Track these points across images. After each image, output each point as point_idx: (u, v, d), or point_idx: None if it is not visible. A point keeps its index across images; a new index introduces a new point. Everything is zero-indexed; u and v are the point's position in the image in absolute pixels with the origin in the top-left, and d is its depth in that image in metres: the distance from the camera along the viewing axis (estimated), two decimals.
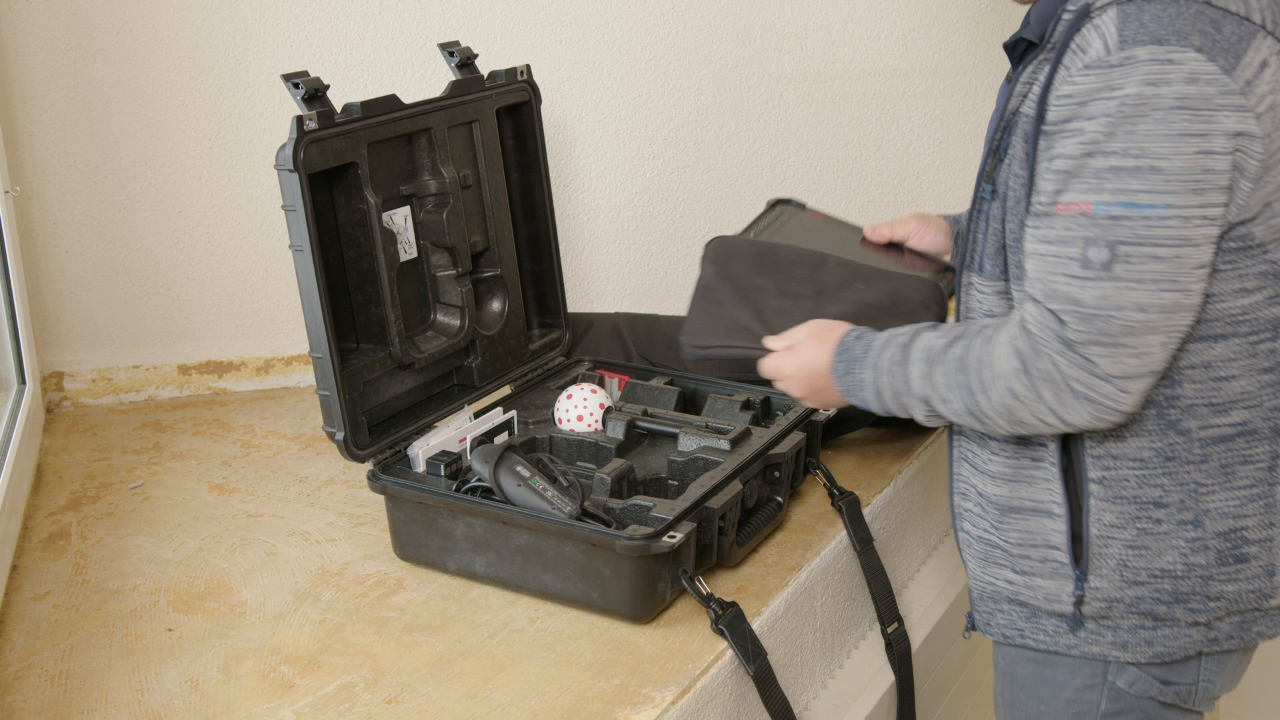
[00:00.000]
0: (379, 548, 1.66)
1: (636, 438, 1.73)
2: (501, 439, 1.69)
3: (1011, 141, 1.30)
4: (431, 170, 1.74)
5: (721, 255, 1.66)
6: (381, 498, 1.61)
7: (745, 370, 1.64)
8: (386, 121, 1.65)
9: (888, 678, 1.73)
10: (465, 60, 1.81)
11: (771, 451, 1.65)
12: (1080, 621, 1.37)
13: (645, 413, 1.76)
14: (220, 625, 1.50)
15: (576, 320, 2.03)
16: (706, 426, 1.71)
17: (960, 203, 2.00)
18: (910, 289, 1.64)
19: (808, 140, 2.36)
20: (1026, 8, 1.35)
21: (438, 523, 1.55)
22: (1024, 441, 1.36)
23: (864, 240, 1.77)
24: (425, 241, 1.76)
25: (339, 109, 1.59)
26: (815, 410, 1.76)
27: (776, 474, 1.66)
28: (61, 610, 1.54)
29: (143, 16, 2.06)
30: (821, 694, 1.69)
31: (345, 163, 1.60)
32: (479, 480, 1.52)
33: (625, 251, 2.34)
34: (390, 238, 1.66)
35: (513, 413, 1.74)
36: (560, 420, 1.75)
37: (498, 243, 1.85)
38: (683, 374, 1.87)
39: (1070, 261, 1.21)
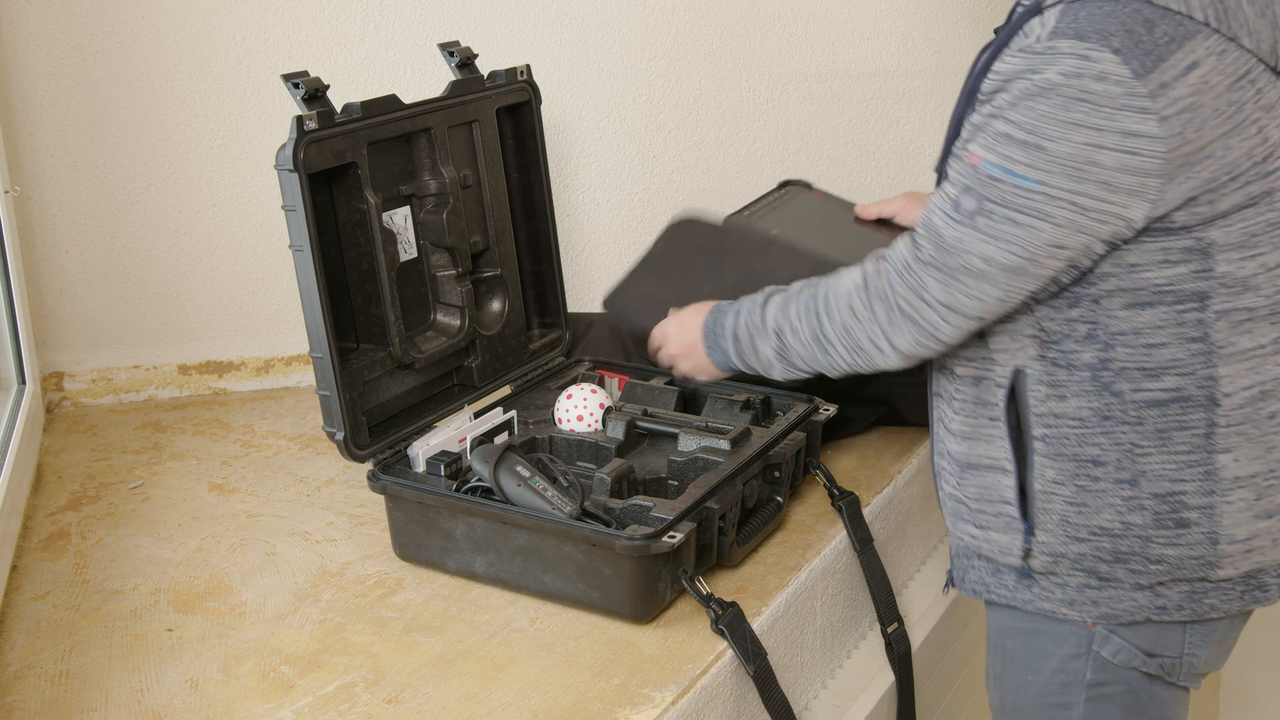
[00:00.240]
0: (379, 548, 1.66)
1: (636, 438, 1.73)
2: (501, 439, 1.69)
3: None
4: (431, 170, 1.74)
5: (677, 230, 1.83)
6: (381, 498, 1.61)
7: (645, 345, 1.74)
8: (386, 121, 1.65)
9: (888, 678, 1.73)
10: (465, 60, 1.81)
11: (771, 451, 1.65)
12: (1029, 574, 1.43)
13: (645, 413, 1.76)
14: (220, 625, 1.50)
15: (576, 320, 2.03)
16: (706, 426, 1.71)
17: None
18: None
19: (808, 140, 2.36)
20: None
21: (438, 523, 1.55)
22: (981, 401, 1.43)
23: (856, 218, 1.86)
24: (425, 241, 1.76)
25: (339, 109, 1.59)
26: (815, 410, 1.76)
27: (776, 474, 1.66)
28: (61, 610, 1.54)
29: (143, 16, 2.06)
30: (821, 694, 1.69)
31: (345, 163, 1.60)
32: (479, 480, 1.52)
33: (625, 251, 2.34)
34: (390, 238, 1.66)
35: (513, 413, 1.74)
36: (560, 420, 1.75)
37: (498, 243, 1.85)
38: None
39: (948, 201, 1.33)
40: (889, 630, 1.71)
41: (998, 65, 1.31)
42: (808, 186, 1.97)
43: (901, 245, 1.38)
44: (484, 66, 1.84)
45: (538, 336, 1.95)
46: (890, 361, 1.41)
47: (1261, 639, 2.73)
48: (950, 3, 2.34)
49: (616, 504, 1.52)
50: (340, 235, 1.66)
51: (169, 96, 2.10)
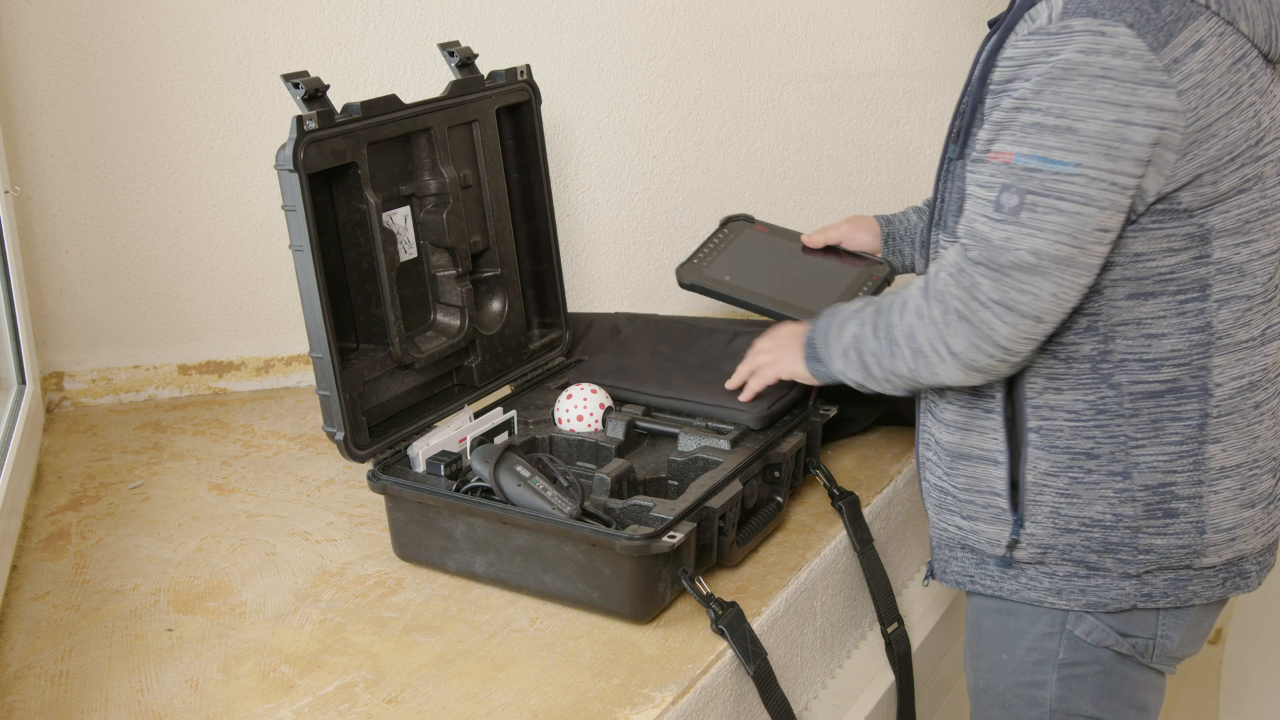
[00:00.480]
0: (379, 548, 1.66)
1: (636, 438, 1.73)
2: (501, 439, 1.69)
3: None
4: (431, 170, 1.74)
5: (644, 324, 1.99)
6: (381, 498, 1.61)
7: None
8: (386, 121, 1.65)
9: (888, 678, 1.73)
10: (465, 60, 1.81)
11: (771, 451, 1.65)
12: (1011, 565, 1.45)
13: (645, 413, 1.76)
14: (220, 625, 1.50)
15: (576, 320, 2.03)
16: (706, 426, 1.71)
17: None
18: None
19: (808, 140, 2.36)
20: None
21: (438, 523, 1.55)
22: (976, 392, 1.44)
23: (804, 248, 1.91)
24: (425, 241, 1.76)
25: (339, 109, 1.59)
26: (815, 410, 1.76)
27: (776, 474, 1.66)
28: (61, 610, 1.54)
29: (143, 16, 2.06)
30: (821, 694, 1.69)
31: (345, 163, 1.60)
32: (479, 480, 1.52)
33: (625, 251, 2.34)
34: (390, 238, 1.66)
35: (513, 413, 1.74)
36: (560, 420, 1.75)
37: (498, 243, 1.85)
38: None
39: (988, 204, 1.32)
40: (889, 630, 1.71)
41: (1008, 51, 1.31)
42: (750, 220, 1.99)
43: (953, 249, 1.37)
44: (484, 66, 1.84)
45: (538, 336, 1.95)
46: (950, 370, 1.38)
47: (1262, 638, 2.73)
48: (950, 3, 2.34)
49: (616, 504, 1.52)
50: (340, 235, 1.66)
51: (169, 96, 2.10)
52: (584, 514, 1.48)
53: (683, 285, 1.87)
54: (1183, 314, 1.34)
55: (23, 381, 2.03)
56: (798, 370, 1.61)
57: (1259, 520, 1.42)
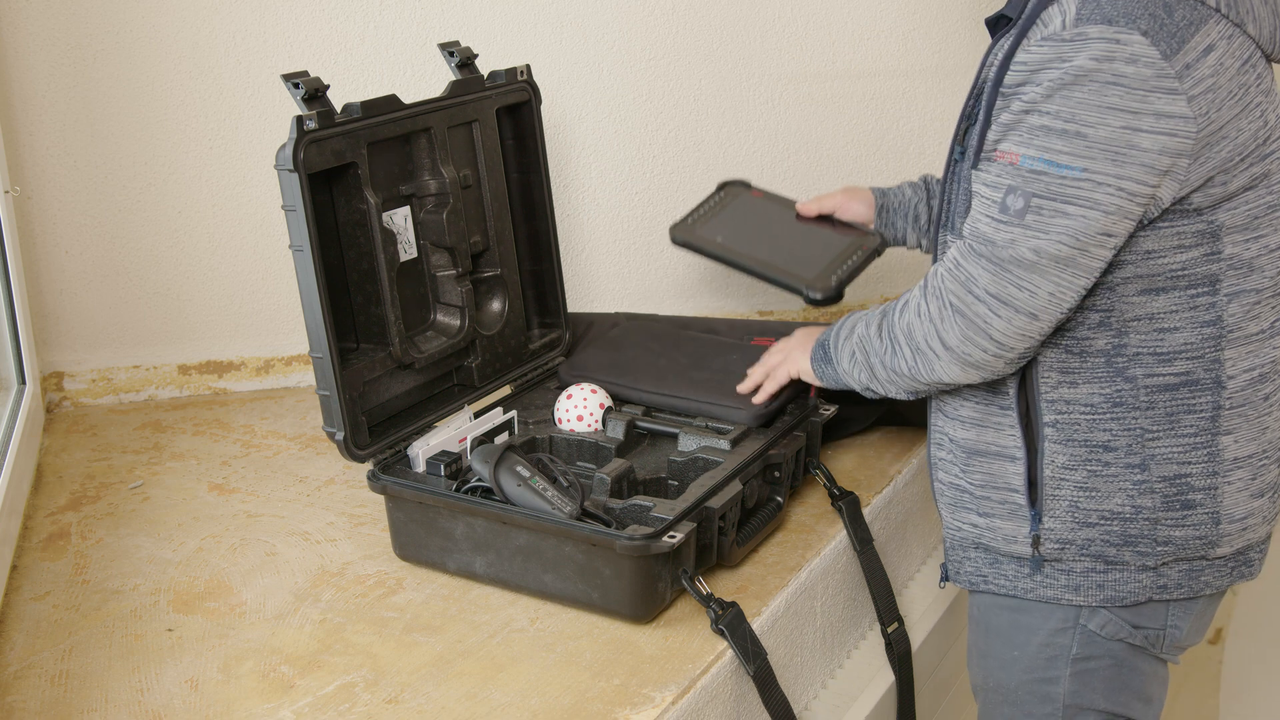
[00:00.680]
0: (379, 548, 1.66)
1: (636, 438, 1.73)
2: (501, 439, 1.69)
3: (980, 107, 1.40)
4: (431, 170, 1.74)
5: (630, 327, 1.99)
6: (381, 498, 1.61)
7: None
8: (386, 121, 1.65)
9: (888, 678, 1.73)
10: (465, 60, 1.81)
11: (771, 451, 1.65)
12: (1039, 564, 1.45)
13: (645, 412, 1.76)
14: (220, 625, 1.50)
15: (576, 320, 2.03)
16: (706, 426, 1.71)
17: None
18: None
19: (808, 140, 2.36)
20: None
21: (438, 523, 1.55)
22: (992, 388, 1.44)
23: (798, 215, 1.91)
24: (425, 241, 1.76)
25: (339, 109, 1.59)
26: (815, 410, 1.76)
27: (776, 474, 1.66)
28: (61, 610, 1.54)
29: (143, 16, 2.06)
30: (821, 694, 1.69)
31: (345, 163, 1.60)
32: (479, 480, 1.52)
33: (625, 251, 2.34)
34: (390, 238, 1.66)
35: (513, 413, 1.74)
36: (560, 420, 1.75)
37: (498, 243, 1.85)
38: None
39: (993, 205, 1.33)
40: (889, 630, 1.71)
41: (1020, 56, 1.31)
42: (746, 186, 2.00)
43: (955, 247, 1.39)
44: (484, 66, 1.84)
45: (538, 336, 1.95)
46: (946, 366, 1.40)
47: (1262, 638, 2.73)
48: (950, 3, 2.34)
49: (616, 504, 1.52)
50: (340, 235, 1.66)
51: (169, 96, 2.10)
52: (584, 514, 1.48)
53: (675, 243, 1.87)
54: (1194, 308, 1.35)
55: (23, 381, 2.03)
56: (805, 369, 1.64)
57: (1266, 509, 1.45)
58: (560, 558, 1.47)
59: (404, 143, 1.72)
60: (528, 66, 1.88)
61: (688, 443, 1.68)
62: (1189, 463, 1.39)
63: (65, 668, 1.43)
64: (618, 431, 1.71)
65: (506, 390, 1.87)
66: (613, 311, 2.20)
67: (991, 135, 1.35)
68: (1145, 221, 1.32)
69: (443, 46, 1.81)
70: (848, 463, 1.87)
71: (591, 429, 1.73)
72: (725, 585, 1.56)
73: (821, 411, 1.77)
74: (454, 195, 1.75)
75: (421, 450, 1.61)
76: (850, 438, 1.94)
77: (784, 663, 1.56)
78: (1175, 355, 1.37)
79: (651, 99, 2.28)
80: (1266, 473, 1.44)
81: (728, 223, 1.90)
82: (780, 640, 1.55)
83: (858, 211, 1.87)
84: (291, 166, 1.50)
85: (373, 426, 1.65)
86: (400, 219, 1.72)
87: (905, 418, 1.95)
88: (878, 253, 1.85)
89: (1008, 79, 1.33)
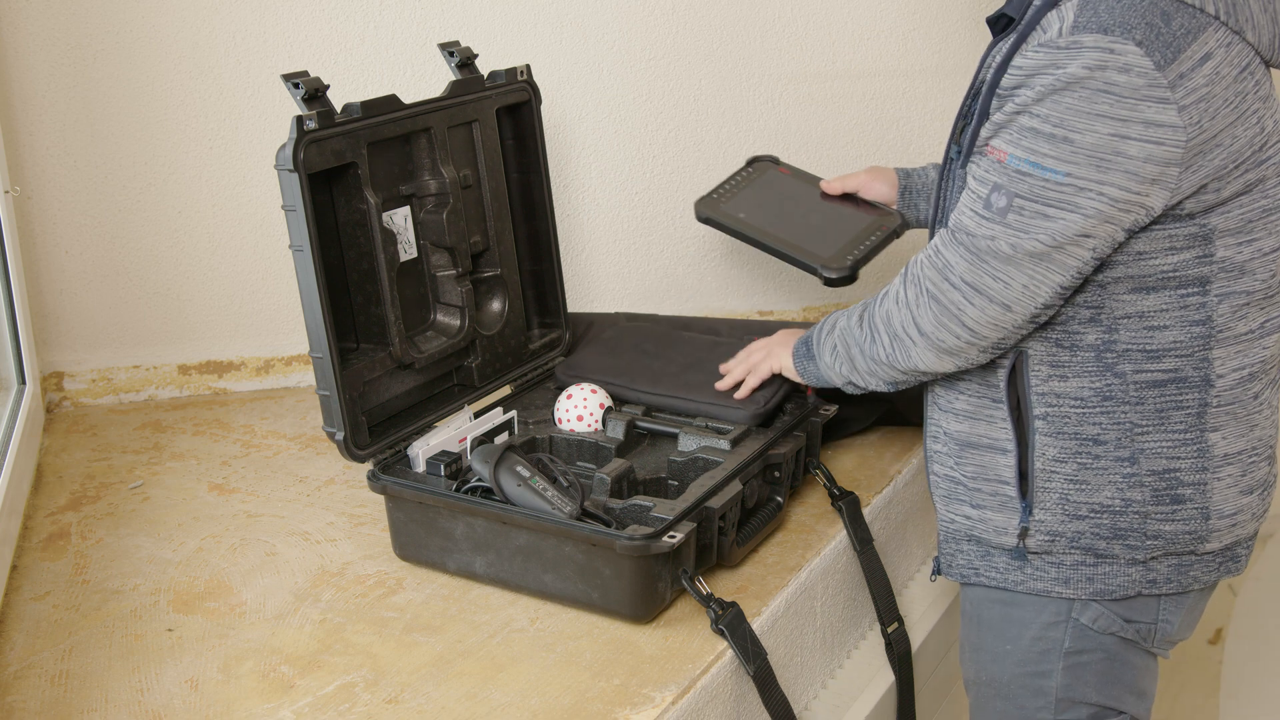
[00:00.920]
0: (379, 548, 1.66)
1: (636, 438, 1.73)
2: (501, 439, 1.69)
3: (976, 108, 1.41)
4: (431, 170, 1.74)
5: (624, 328, 1.99)
6: (381, 498, 1.61)
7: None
8: (386, 121, 1.65)
9: (888, 678, 1.73)
10: (465, 60, 1.81)
11: (771, 451, 1.65)
12: (1024, 555, 1.46)
13: (645, 413, 1.76)
14: (220, 625, 1.50)
15: (576, 320, 2.03)
16: (706, 426, 1.71)
17: None
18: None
19: (808, 140, 2.36)
20: None
21: (438, 523, 1.55)
22: (985, 381, 1.46)
23: (823, 194, 1.93)
24: (425, 241, 1.76)
25: (339, 109, 1.59)
26: (815, 410, 1.76)
27: (776, 474, 1.66)
28: (61, 610, 1.54)
29: (143, 16, 2.06)
30: (821, 694, 1.69)
31: (345, 163, 1.60)
32: (479, 480, 1.52)
33: (625, 251, 2.34)
34: (390, 238, 1.66)
35: (513, 413, 1.74)
36: (560, 420, 1.75)
37: (498, 243, 1.85)
38: None
39: (978, 200, 1.36)
40: (889, 630, 1.71)
41: (1018, 60, 1.33)
42: (775, 162, 2.01)
43: (937, 236, 1.41)
44: (484, 66, 1.84)
45: (538, 336, 1.95)
46: (921, 353, 1.42)
47: (1262, 638, 2.73)
48: (950, 3, 2.34)
49: (616, 504, 1.52)
50: (340, 235, 1.66)
51: (169, 96, 2.10)
52: (584, 514, 1.48)
53: (699, 219, 1.89)
54: (1184, 308, 1.36)
55: (23, 381, 2.03)
56: (788, 365, 1.66)
57: (1255, 506, 1.46)
58: (560, 558, 1.47)
59: (404, 143, 1.72)
60: (528, 66, 1.88)
61: (688, 443, 1.68)
62: (1178, 458, 1.40)
63: (65, 668, 1.43)
64: (618, 431, 1.71)
65: (506, 390, 1.87)
66: (613, 311, 2.20)
67: (985, 131, 1.36)
68: (1137, 229, 1.32)
69: (443, 46, 1.81)
70: (848, 463, 1.87)
71: (591, 429, 1.73)
72: (725, 585, 1.56)
73: (821, 411, 1.77)
74: (454, 195, 1.75)
75: (421, 450, 1.61)
76: (850, 438, 1.94)
77: (784, 663, 1.56)
78: (1164, 353, 1.38)
79: (651, 99, 2.28)
80: (1256, 470, 1.45)
81: (751, 199, 1.91)
82: (780, 640, 1.55)
83: (881, 191, 1.89)
84: (291, 166, 1.50)
85: (373, 426, 1.65)
86: (400, 219, 1.72)
87: (905, 418, 1.95)
88: (897, 234, 1.86)
89: (1004, 82, 1.34)
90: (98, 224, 2.13)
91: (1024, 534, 1.45)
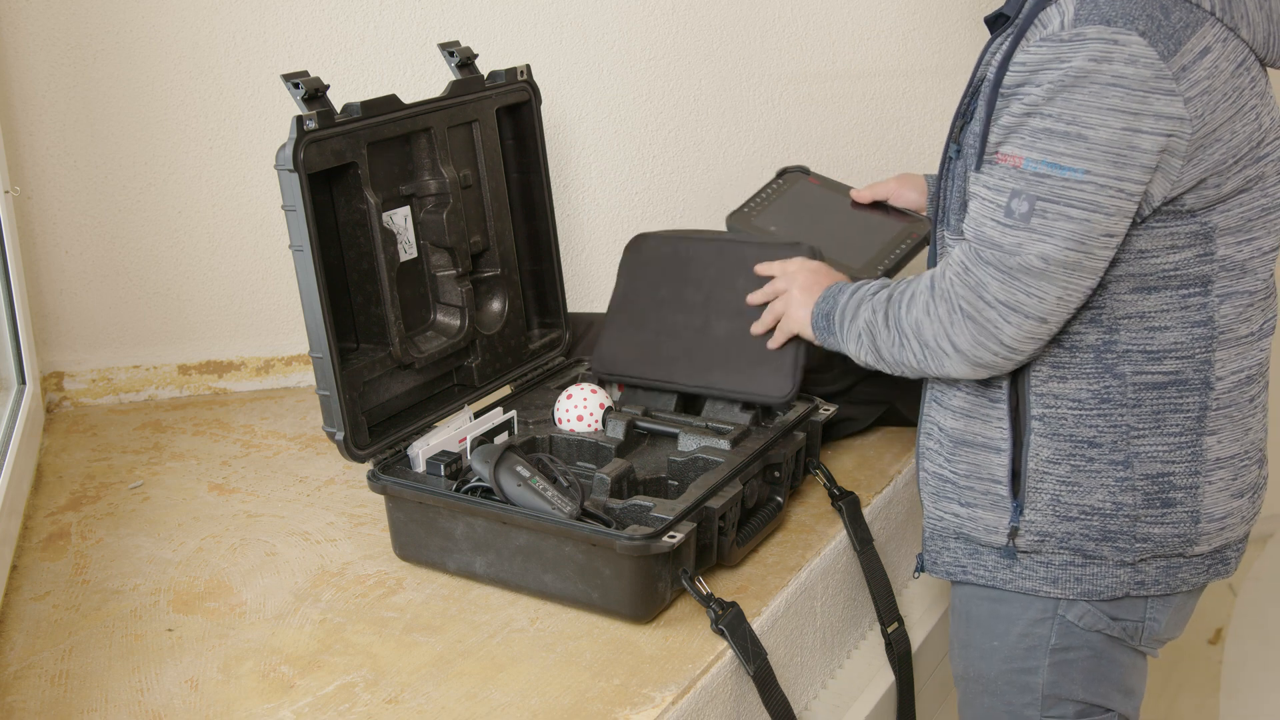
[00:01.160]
0: (379, 548, 1.66)
1: (636, 438, 1.73)
2: (501, 439, 1.69)
3: (976, 105, 1.40)
4: (431, 170, 1.74)
5: (634, 264, 1.87)
6: (381, 498, 1.61)
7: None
8: (386, 121, 1.65)
9: (888, 678, 1.73)
10: (465, 60, 1.81)
11: (771, 451, 1.65)
12: (1013, 554, 1.46)
13: (645, 413, 1.76)
14: (220, 625, 1.50)
15: (576, 320, 2.03)
16: (706, 426, 1.71)
17: None
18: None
19: (808, 140, 2.36)
20: None
21: (438, 523, 1.55)
22: (987, 380, 1.45)
23: (853, 203, 1.94)
24: (425, 241, 1.76)
25: (339, 109, 1.59)
26: (815, 410, 1.76)
27: (776, 474, 1.66)
28: (61, 610, 1.54)
29: (143, 16, 2.06)
30: (821, 694, 1.69)
31: (345, 163, 1.60)
32: (479, 480, 1.52)
33: None
34: (390, 238, 1.66)
35: (513, 413, 1.74)
36: (560, 420, 1.75)
37: (498, 243, 1.85)
38: None
39: (998, 208, 1.33)
40: (889, 630, 1.71)
41: (1019, 56, 1.32)
42: (805, 172, 2.02)
43: (958, 250, 1.39)
44: (484, 66, 1.84)
45: (538, 336, 1.95)
46: (955, 365, 1.41)
47: (1262, 638, 2.73)
48: (950, 3, 2.34)
49: (616, 504, 1.52)
50: (340, 235, 1.66)
51: (169, 96, 2.10)
52: (584, 514, 1.48)
53: (731, 232, 1.89)
54: (1185, 308, 1.36)
55: (23, 381, 2.03)
56: (807, 330, 1.63)
57: (1245, 509, 1.46)
58: (560, 558, 1.47)
59: (404, 143, 1.72)
60: (528, 66, 1.88)
61: (688, 443, 1.68)
62: (1172, 462, 1.40)
63: (65, 668, 1.43)
64: (618, 431, 1.71)
65: (506, 390, 1.87)
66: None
67: (993, 137, 1.35)
68: (1139, 220, 1.32)
69: (443, 46, 1.81)
70: (848, 463, 1.87)
71: (591, 429, 1.73)
72: (725, 585, 1.56)
73: (822, 411, 1.77)
74: (454, 195, 1.75)
75: (421, 450, 1.61)
76: (850, 438, 1.94)
77: (784, 663, 1.56)
78: (1165, 354, 1.37)
79: (651, 99, 2.28)
80: (1247, 473, 1.44)
81: (782, 212, 1.92)
82: (780, 640, 1.55)
83: (910, 199, 1.89)
84: (291, 166, 1.50)
85: (373, 426, 1.65)
86: (400, 219, 1.72)
87: (905, 418, 1.95)
88: (927, 240, 1.87)
89: (1007, 79, 1.33)
90: (98, 224, 2.13)
91: (1014, 533, 1.45)
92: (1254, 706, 2.66)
